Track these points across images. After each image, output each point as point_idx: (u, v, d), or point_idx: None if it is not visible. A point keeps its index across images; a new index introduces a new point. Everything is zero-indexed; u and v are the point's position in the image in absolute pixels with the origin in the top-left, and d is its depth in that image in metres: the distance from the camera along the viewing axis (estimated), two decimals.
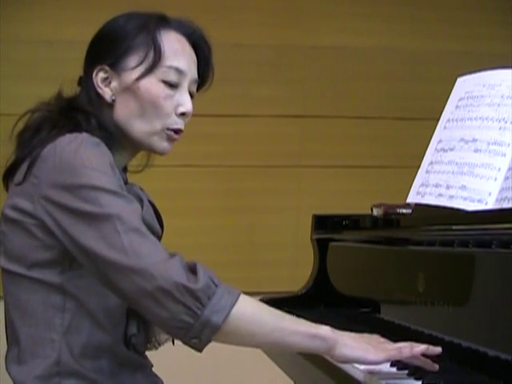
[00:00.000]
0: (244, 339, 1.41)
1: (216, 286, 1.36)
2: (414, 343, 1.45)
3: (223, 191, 3.58)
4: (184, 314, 1.34)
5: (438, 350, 1.44)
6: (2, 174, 1.57)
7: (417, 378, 1.40)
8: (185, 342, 1.38)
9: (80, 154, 1.41)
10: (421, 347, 1.43)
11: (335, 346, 1.41)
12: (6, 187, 1.55)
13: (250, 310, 1.40)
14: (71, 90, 1.59)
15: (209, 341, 1.37)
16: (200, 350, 1.38)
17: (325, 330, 1.42)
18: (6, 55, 3.38)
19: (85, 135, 1.46)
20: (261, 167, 3.62)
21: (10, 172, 1.53)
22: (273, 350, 1.50)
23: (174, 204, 3.36)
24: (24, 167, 1.47)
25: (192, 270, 1.37)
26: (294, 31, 3.64)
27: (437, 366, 1.42)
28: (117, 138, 1.54)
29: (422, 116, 3.50)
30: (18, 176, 1.48)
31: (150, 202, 1.59)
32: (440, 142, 1.83)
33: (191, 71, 1.59)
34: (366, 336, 1.48)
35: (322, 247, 2.34)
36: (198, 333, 1.36)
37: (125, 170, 1.64)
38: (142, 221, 1.41)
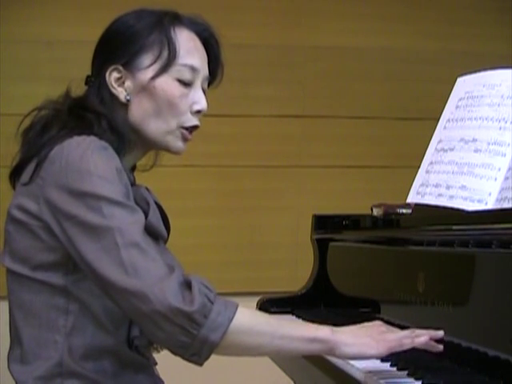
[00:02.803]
0: (244, 351, 1.42)
1: (212, 303, 1.36)
2: (416, 330, 1.45)
3: (223, 191, 3.58)
4: (181, 334, 1.35)
5: (440, 333, 1.44)
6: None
7: (417, 378, 1.40)
8: (185, 359, 1.39)
9: (87, 158, 1.41)
10: (422, 338, 1.42)
11: (336, 346, 1.41)
12: (13, 185, 1.54)
13: (247, 323, 1.39)
14: (76, 89, 1.59)
15: (208, 357, 1.38)
16: (200, 365, 1.39)
17: (324, 332, 1.42)
18: (6, 55, 3.37)
19: (93, 138, 1.45)
20: (261, 167, 3.62)
21: (17, 171, 1.52)
22: (274, 355, 1.51)
23: (174, 204, 3.34)
24: (31, 167, 1.47)
25: (189, 286, 1.37)
26: (293, 31, 3.63)
27: (441, 347, 1.42)
28: (129, 139, 1.53)
29: (422, 116, 3.50)
30: (25, 176, 1.48)
31: (157, 204, 1.59)
32: (440, 141, 1.83)
33: (203, 68, 1.59)
34: (367, 326, 1.47)
35: (321, 247, 2.34)
36: (197, 350, 1.36)
37: (133, 169, 1.64)
38: (143, 232, 1.41)
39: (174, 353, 1.39)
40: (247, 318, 1.40)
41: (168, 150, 1.59)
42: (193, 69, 1.57)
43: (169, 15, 1.58)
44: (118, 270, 1.36)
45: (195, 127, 1.59)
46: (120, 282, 1.36)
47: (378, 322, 1.49)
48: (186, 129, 1.57)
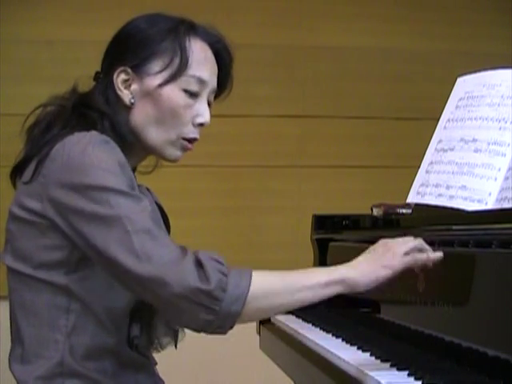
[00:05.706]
0: (267, 313, 1.46)
1: (226, 276, 1.37)
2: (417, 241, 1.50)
3: (223, 191, 3.58)
4: (204, 313, 1.36)
5: (439, 255, 1.49)
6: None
7: (417, 378, 1.40)
8: (209, 333, 1.40)
9: (88, 152, 1.41)
10: (438, 253, 1.48)
11: (353, 282, 1.44)
12: (14, 184, 1.54)
13: (265, 287, 1.41)
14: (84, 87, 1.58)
15: (233, 326, 1.40)
16: (224, 333, 1.40)
17: (338, 273, 1.45)
18: (6, 55, 3.38)
19: (93, 133, 1.45)
20: (261, 167, 3.62)
21: (19, 169, 1.52)
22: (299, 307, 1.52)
23: (174, 204, 3.34)
24: (32, 165, 1.47)
25: (200, 264, 1.37)
26: (294, 31, 3.64)
27: (441, 254, 1.47)
28: (128, 142, 1.53)
29: (422, 116, 3.50)
30: (27, 174, 1.48)
31: (158, 204, 1.58)
32: (440, 141, 1.83)
33: (212, 81, 1.59)
34: (373, 249, 1.50)
35: (321, 247, 2.34)
36: (221, 323, 1.38)
37: (133, 171, 1.64)
38: (152, 218, 1.41)
39: (199, 331, 1.40)
40: (263, 281, 1.41)
41: (164, 158, 1.59)
42: (201, 81, 1.56)
43: (185, 24, 1.57)
44: (132, 256, 1.35)
45: (194, 140, 1.59)
46: (135, 269, 1.35)
47: (380, 242, 1.51)
48: (187, 140, 1.57)
